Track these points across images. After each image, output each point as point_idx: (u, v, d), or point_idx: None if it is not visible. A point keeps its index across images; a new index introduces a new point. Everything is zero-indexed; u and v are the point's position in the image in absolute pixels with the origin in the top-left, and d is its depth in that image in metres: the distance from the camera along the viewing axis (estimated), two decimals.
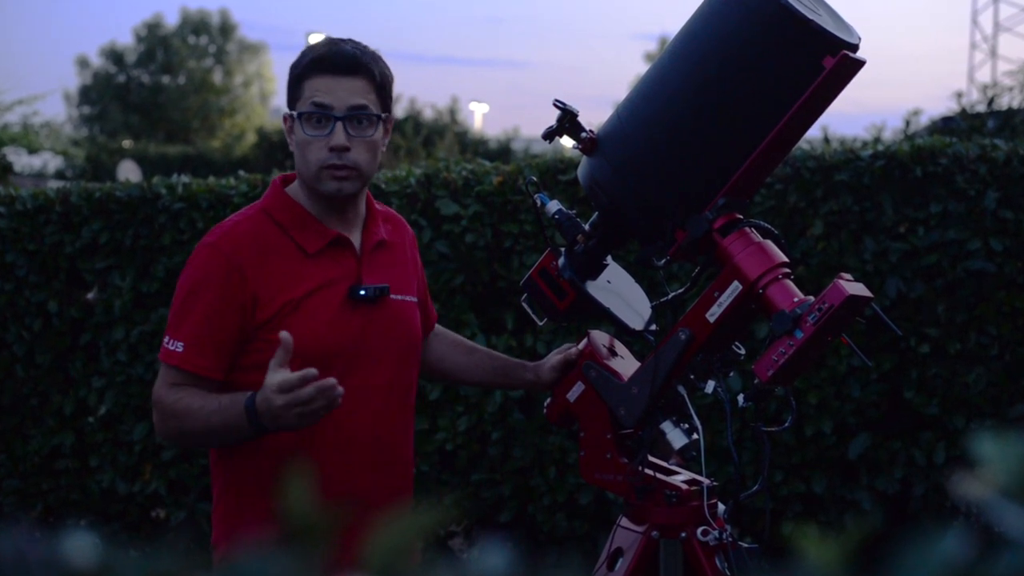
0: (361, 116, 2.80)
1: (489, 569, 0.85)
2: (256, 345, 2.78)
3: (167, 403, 2.76)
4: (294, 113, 2.83)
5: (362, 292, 2.84)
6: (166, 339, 2.80)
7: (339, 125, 2.77)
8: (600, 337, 3.08)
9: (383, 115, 2.85)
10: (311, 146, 2.79)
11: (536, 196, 3.03)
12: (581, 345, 3.04)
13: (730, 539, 2.88)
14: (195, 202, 5.89)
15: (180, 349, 2.77)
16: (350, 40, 2.88)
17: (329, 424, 2.70)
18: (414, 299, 3.02)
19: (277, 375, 2.56)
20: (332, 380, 2.55)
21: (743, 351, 2.95)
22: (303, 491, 0.87)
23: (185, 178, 6.12)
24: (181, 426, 2.76)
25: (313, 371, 2.54)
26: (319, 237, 2.85)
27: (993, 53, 36.92)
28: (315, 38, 37.18)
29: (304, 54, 2.85)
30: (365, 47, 2.87)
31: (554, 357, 3.08)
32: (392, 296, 2.91)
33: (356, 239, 2.92)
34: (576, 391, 2.98)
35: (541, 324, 3.09)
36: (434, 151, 21.37)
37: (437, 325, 3.33)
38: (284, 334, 2.59)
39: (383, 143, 2.88)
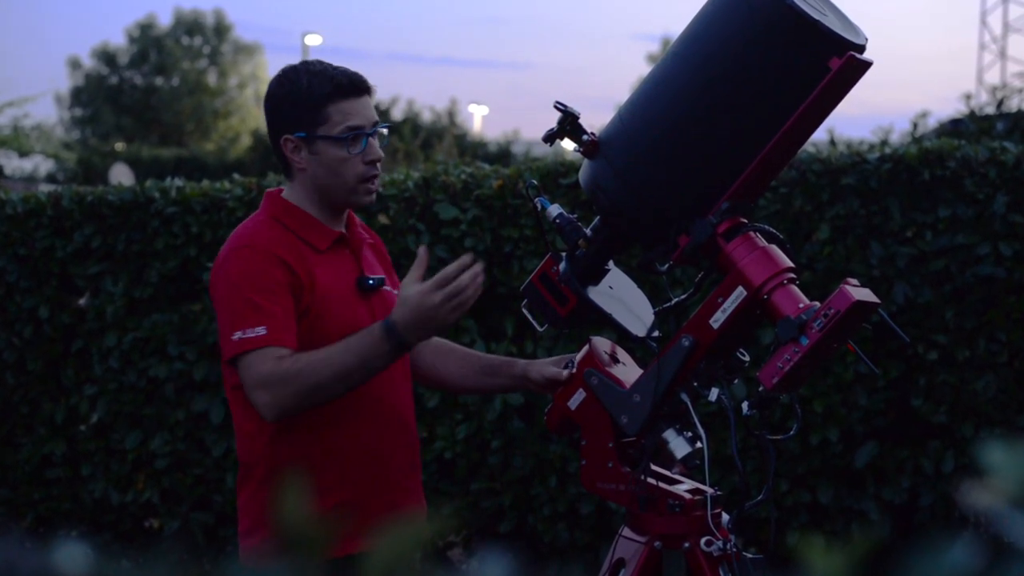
0: (381, 128, 3.12)
1: None
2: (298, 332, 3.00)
3: (285, 368, 2.87)
4: (317, 134, 3.05)
5: (371, 282, 3.11)
6: (238, 334, 2.92)
7: (372, 140, 3.07)
8: (602, 344, 3.08)
9: (387, 125, 3.19)
10: (348, 164, 3.06)
11: (537, 200, 3.03)
12: (583, 352, 3.04)
13: (734, 550, 2.87)
14: (189, 206, 5.89)
15: (263, 332, 2.90)
16: (329, 63, 3.14)
17: (366, 400, 3.01)
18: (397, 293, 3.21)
19: (420, 283, 2.83)
20: (479, 265, 2.86)
21: (747, 358, 2.95)
22: (299, 500, 0.87)
23: (179, 181, 6.13)
24: (310, 381, 2.87)
25: (466, 258, 2.85)
26: (326, 235, 3.10)
27: (1003, 54, 36.95)
28: (312, 39, 37.23)
29: (313, 81, 3.06)
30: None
31: (550, 368, 3.10)
32: (385, 288, 3.18)
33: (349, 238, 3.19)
34: (577, 399, 2.98)
35: (542, 330, 3.09)
36: (432, 154, 21.37)
37: None
38: (422, 248, 2.88)
39: None
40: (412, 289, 2.83)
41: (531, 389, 3.20)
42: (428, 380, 3.42)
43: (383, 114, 27.03)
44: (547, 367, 3.11)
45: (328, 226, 3.11)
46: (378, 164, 3.13)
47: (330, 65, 3.11)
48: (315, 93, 3.06)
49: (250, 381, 2.91)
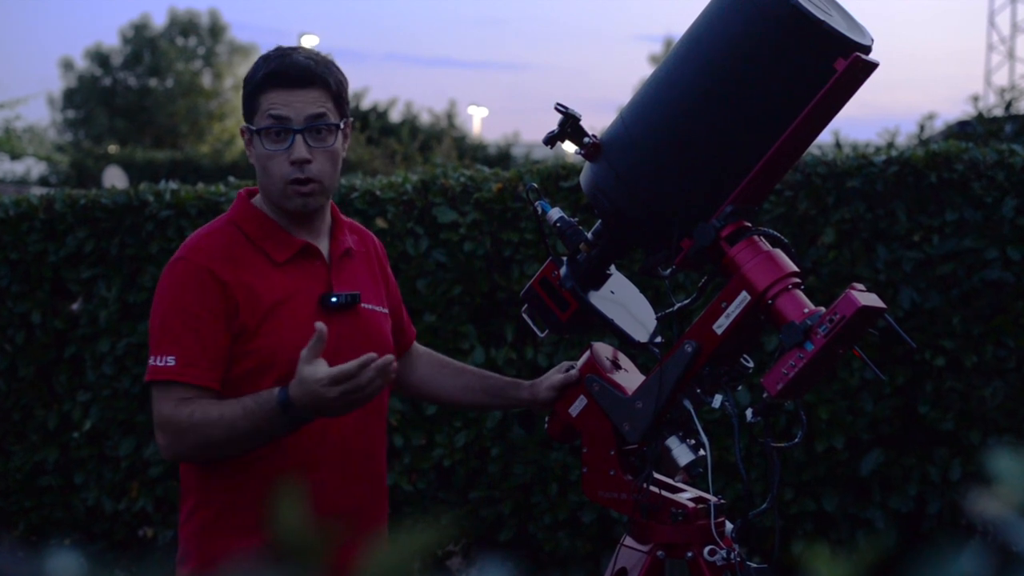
0: (320, 126, 2.86)
1: None
2: (236, 355, 2.83)
3: (180, 419, 2.76)
4: (252, 127, 2.89)
5: (333, 299, 2.91)
6: (153, 359, 2.81)
7: (299, 138, 2.83)
8: (603, 349, 3.08)
9: (341, 122, 2.91)
10: (272, 160, 2.86)
11: (537, 203, 3.03)
12: (584, 358, 3.04)
13: (738, 559, 2.87)
14: (183, 209, 5.90)
15: (172, 363, 2.79)
16: (301, 48, 2.95)
17: (305, 435, 2.79)
18: (384, 310, 3.08)
19: (321, 368, 2.63)
20: (390, 357, 2.63)
21: (751, 364, 2.95)
22: (295, 510, 0.87)
23: (173, 184, 6.14)
24: (201, 439, 2.76)
25: (372, 355, 2.62)
26: (287, 246, 2.91)
27: (1011, 55, 36.98)
28: (308, 40, 37.26)
29: (257, 67, 2.90)
30: (317, 55, 2.93)
31: (554, 376, 3.08)
32: (363, 305, 2.97)
33: (324, 248, 2.99)
34: (578, 406, 2.98)
35: (542, 336, 3.09)
36: (431, 157, 21.35)
37: (418, 344, 3.37)
38: (319, 325, 2.64)
39: (343, 150, 2.95)
40: (309, 373, 2.62)
41: (543, 408, 3.10)
42: (421, 394, 3.34)
43: (381, 115, 27.01)
44: (553, 376, 3.08)
45: (291, 234, 2.92)
46: (308, 167, 2.85)
47: (285, 51, 2.90)
48: (251, 80, 2.90)
49: (154, 417, 2.81)
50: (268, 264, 2.88)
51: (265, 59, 2.90)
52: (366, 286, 3.03)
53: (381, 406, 3.02)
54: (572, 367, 3.05)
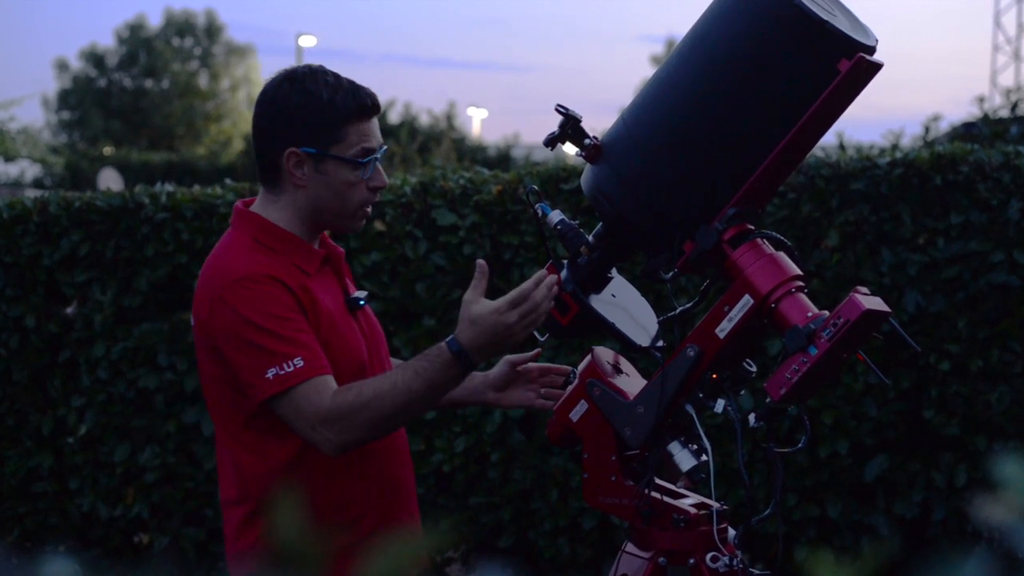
0: (383, 152, 3.02)
1: None
2: None
3: (349, 403, 2.81)
4: (329, 153, 2.94)
5: (361, 302, 3.07)
6: (272, 371, 2.81)
7: (378, 166, 2.99)
8: (604, 354, 3.08)
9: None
10: (355, 188, 2.97)
11: (537, 206, 3.03)
12: (585, 362, 3.04)
13: (741, 566, 2.87)
14: (179, 212, 5.90)
15: (301, 364, 2.82)
16: (341, 76, 3.03)
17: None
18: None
19: (489, 302, 2.79)
20: (552, 277, 2.81)
21: (754, 368, 2.95)
22: (293, 516, 0.87)
23: (169, 187, 6.13)
24: (376, 414, 2.81)
25: (542, 272, 2.82)
26: (313, 257, 3.01)
27: (1017, 56, 36.99)
28: (306, 40, 37.27)
29: (336, 96, 2.94)
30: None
31: (503, 367, 3.29)
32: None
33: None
34: (579, 410, 2.98)
35: (543, 340, 3.09)
36: (430, 158, 21.37)
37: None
38: (480, 261, 2.82)
39: None
40: (481, 308, 2.78)
41: (493, 402, 3.29)
42: None
43: (379, 117, 26.90)
44: (501, 367, 3.26)
45: (312, 246, 3.03)
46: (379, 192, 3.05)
47: (344, 79, 2.99)
48: (338, 110, 2.94)
49: (307, 418, 2.81)
50: (302, 275, 2.95)
51: (338, 88, 2.95)
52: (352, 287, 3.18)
53: None
54: (573, 373, 3.06)
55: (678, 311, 2.99)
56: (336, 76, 2.99)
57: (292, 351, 2.82)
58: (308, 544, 0.88)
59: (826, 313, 2.71)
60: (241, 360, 2.84)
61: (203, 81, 45.64)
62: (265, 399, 2.83)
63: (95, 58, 44.81)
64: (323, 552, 0.88)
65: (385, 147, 3.03)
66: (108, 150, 37.72)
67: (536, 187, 3.25)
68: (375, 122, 3.01)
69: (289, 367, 2.81)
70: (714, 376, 2.87)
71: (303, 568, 0.87)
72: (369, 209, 3.03)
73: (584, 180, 2.95)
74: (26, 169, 32.92)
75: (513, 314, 2.76)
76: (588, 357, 3.05)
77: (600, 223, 2.97)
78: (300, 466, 2.92)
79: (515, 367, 3.27)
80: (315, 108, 2.93)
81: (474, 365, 2.83)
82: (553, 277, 2.81)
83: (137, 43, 44.83)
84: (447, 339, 2.82)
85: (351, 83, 2.98)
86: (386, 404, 2.81)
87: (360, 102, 2.95)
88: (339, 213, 2.99)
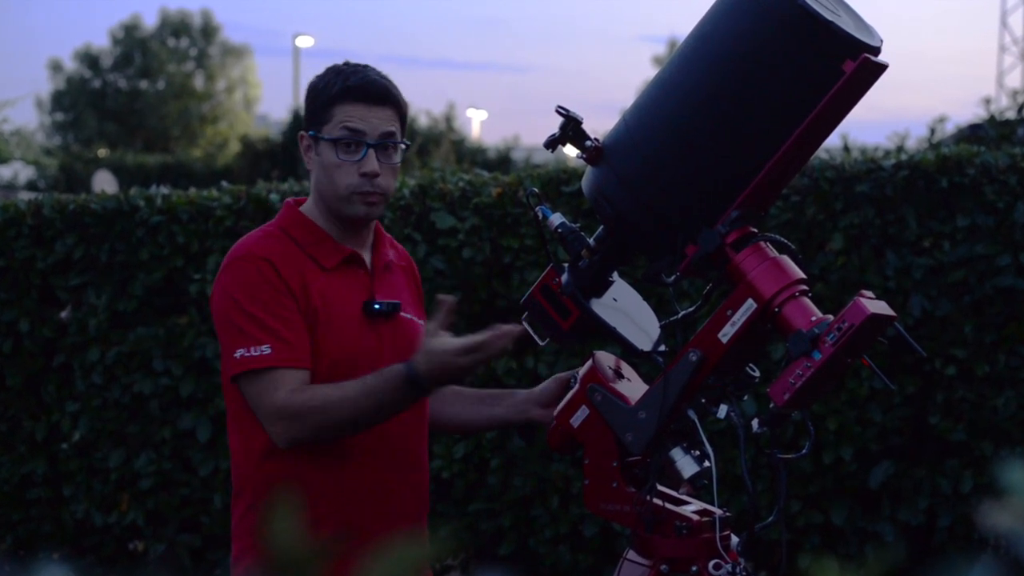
0: (389, 144, 3.10)
1: None
2: None
3: (300, 404, 2.91)
4: (321, 135, 3.08)
5: (376, 306, 3.12)
6: (242, 351, 2.95)
7: (371, 152, 3.06)
8: (606, 358, 3.08)
9: (404, 143, 3.16)
10: (341, 170, 3.07)
11: (538, 208, 3.03)
12: (586, 367, 3.04)
13: (744, 573, 2.87)
14: (175, 215, 5.90)
15: (268, 351, 2.94)
16: (371, 67, 3.16)
17: (374, 434, 3.03)
18: (422, 322, 3.24)
19: (449, 340, 2.87)
20: (512, 325, 2.90)
21: (758, 373, 2.95)
22: (290, 523, 0.87)
23: (164, 189, 6.14)
24: (324, 420, 2.92)
25: (510, 327, 2.90)
26: (335, 253, 3.11)
27: (1023, 57, 37.00)
28: (303, 41, 37.28)
29: (330, 79, 3.11)
30: (387, 77, 3.16)
31: (551, 384, 3.22)
32: (402, 314, 3.18)
33: (367, 258, 3.19)
34: (580, 416, 2.98)
35: (543, 344, 3.09)
36: (429, 161, 21.38)
37: None
38: (446, 297, 2.95)
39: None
40: (438, 345, 2.87)
41: (539, 419, 3.22)
42: (449, 428, 3.49)
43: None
44: (549, 384, 3.21)
45: (340, 243, 3.12)
46: (376, 180, 3.09)
47: (364, 68, 3.13)
48: (327, 91, 3.09)
49: (263, 408, 2.94)
50: (317, 269, 3.07)
51: (339, 72, 3.11)
52: (405, 297, 3.24)
53: (423, 411, 3.22)
54: (574, 378, 3.06)
55: (680, 315, 2.98)
56: (355, 66, 3.14)
57: (263, 337, 2.94)
58: (300, 547, 0.88)
59: (830, 317, 2.71)
60: (222, 336, 3.02)
61: (199, 82, 45.61)
62: (229, 378, 2.98)
63: (89, 59, 44.78)
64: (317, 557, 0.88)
65: (395, 141, 3.10)
66: (103, 152, 37.68)
67: (536, 189, 3.24)
68: (374, 110, 3.08)
69: (255, 352, 2.94)
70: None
71: (296, 570, 0.87)
72: (371, 199, 3.09)
73: (585, 182, 2.95)
74: (20, 171, 32.89)
75: (466, 359, 2.86)
76: (589, 362, 3.05)
77: (601, 226, 2.97)
78: (274, 454, 3.01)
79: (564, 385, 3.23)
80: (314, 92, 3.13)
81: (427, 392, 2.93)
82: (517, 327, 2.90)
83: (132, 44, 44.80)
84: (407, 362, 2.89)
85: (358, 71, 3.11)
86: (332, 414, 2.92)
87: (347, 84, 3.06)
88: (334, 196, 3.09)
